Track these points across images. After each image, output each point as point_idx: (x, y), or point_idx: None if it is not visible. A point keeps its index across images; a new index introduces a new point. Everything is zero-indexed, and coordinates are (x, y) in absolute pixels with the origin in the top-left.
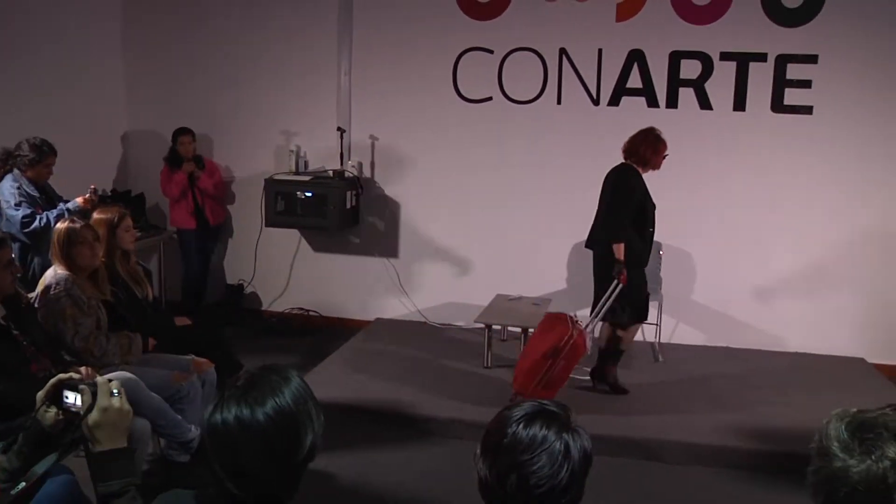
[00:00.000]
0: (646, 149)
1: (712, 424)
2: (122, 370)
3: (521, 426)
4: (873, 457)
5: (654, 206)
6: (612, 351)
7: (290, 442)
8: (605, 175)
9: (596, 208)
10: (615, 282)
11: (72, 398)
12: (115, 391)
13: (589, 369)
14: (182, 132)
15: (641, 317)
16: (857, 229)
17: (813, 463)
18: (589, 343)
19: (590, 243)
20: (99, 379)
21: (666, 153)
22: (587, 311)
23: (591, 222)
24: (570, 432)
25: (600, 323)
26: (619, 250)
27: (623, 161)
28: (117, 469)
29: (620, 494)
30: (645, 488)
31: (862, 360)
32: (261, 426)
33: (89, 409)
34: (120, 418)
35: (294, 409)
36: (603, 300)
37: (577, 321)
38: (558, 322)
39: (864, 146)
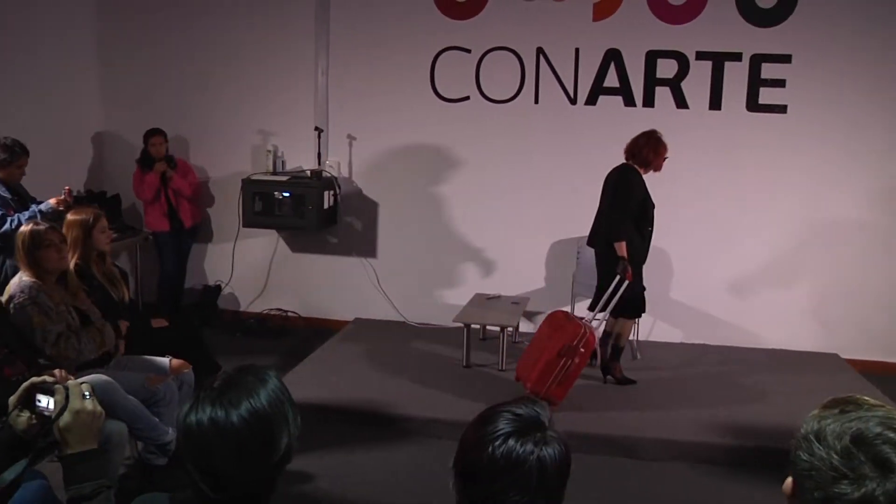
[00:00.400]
0: (648, 151)
1: (690, 421)
2: (97, 373)
3: (496, 445)
4: None
5: (653, 206)
6: (614, 348)
7: (264, 444)
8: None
9: (589, 207)
10: (618, 278)
11: (45, 402)
12: (86, 393)
13: None
14: (153, 133)
15: (637, 312)
16: (831, 227)
17: (808, 484)
18: (597, 339)
19: (591, 241)
20: (70, 382)
21: (666, 155)
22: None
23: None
24: (545, 445)
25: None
26: (622, 248)
27: (624, 162)
28: (89, 471)
29: (599, 492)
30: (623, 485)
31: (836, 356)
32: (235, 428)
33: (61, 411)
34: (92, 420)
35: (269, 411)
36: (606, 296)
37: (583, 318)
38: (567, 321)
39: (838, 145)
